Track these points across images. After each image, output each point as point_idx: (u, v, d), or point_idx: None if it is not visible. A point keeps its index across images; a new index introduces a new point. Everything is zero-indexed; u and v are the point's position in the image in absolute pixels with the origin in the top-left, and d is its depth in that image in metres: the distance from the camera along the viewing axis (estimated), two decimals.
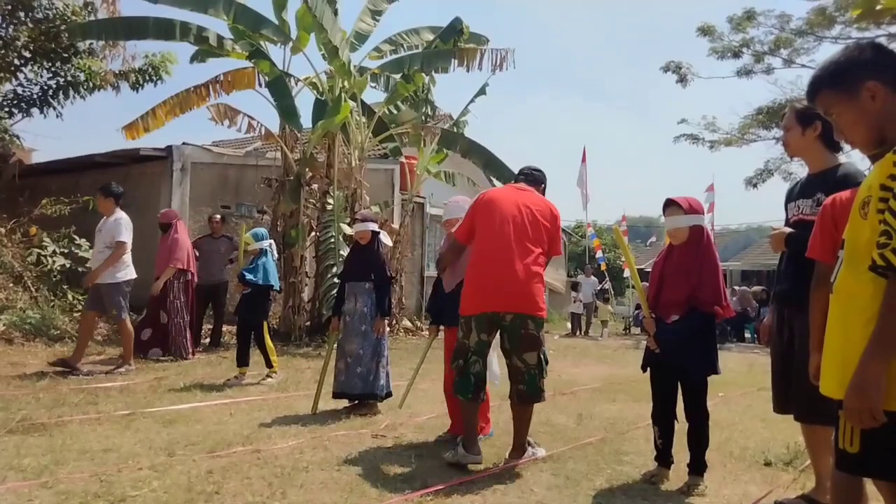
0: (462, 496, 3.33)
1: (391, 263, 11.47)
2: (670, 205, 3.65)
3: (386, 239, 5.76)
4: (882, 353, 1.52)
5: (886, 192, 1.53)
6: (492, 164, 12.12)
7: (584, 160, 21.02)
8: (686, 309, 3.51)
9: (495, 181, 17.61)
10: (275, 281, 6.55)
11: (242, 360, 6.37)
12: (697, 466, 3.56)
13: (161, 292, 7.76)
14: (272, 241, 6.80)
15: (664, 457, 3.70)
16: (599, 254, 22.62)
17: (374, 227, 5.41)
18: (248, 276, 6.34)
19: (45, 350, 7.64)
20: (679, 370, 3.58)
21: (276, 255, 7.03)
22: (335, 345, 5.42)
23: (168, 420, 4.67)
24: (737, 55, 18.74)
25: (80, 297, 9.37)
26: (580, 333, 16.28)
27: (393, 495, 3.28)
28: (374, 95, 13.11)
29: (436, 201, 15.94)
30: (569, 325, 16.69)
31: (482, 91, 12.14)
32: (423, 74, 11.40)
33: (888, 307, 1.51)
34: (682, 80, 19.18)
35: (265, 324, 6.54)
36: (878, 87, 1.68)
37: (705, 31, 18.63)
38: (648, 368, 3.73)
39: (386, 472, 3.65)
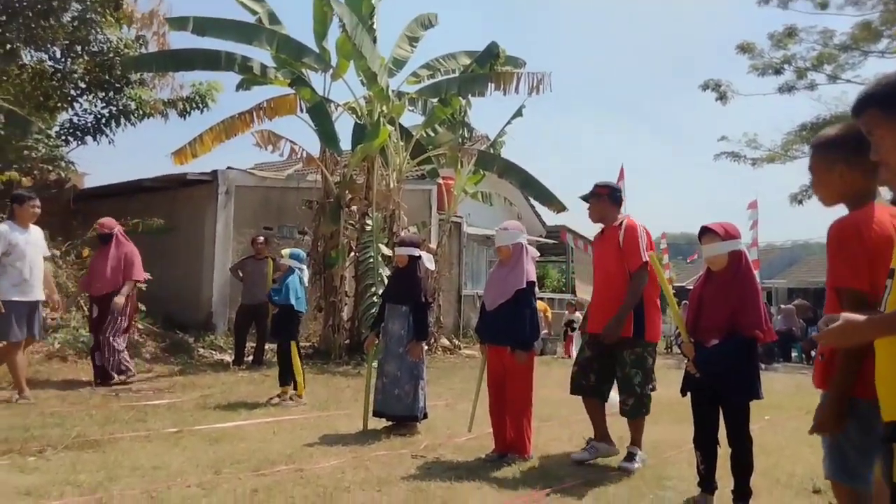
0: None
1: (429, 283, 11.60)
2: (706, 232, 3.63)
3: (429, 263, 5.83)
4: None
5: None
6: (529, 184, 12.17)
7: (621, 178, 20.88)
8: (726, 333, 3.48)
9: (532, 200, 17.70)
10: (296, 301, 6.49)
11: (284, 380, 6.49)
12: (742, 493, 3.50)
13: (101, 313, 7.13)
14: (304, 266, 6.89)
15: (708, 482, 3.65)
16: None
17: (413, 251, 5.47)
18: (273, 296, 6.57)
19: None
20: (720, 395, 3.54)
21: (306, 281, 6.97)
22: (374, 363, 5.51)
23: (214, 438, 4.80)
24: (778, 72, 18.48)
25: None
26: None
27: None
28: (411, 119, 13.37)
29: (472, 221, 16.05)
30: None
31: (519, 113, 12.24)
32: (460, 98, 11.57)
33: None
34: (722, 97, 18.95)
35: (293, 344, 6.50)
36: None
37: (745, 48, 18.43)
38: (689, 392, 3.69)
39: (426, 493, 3.68)
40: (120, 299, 7.05)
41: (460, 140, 12.45)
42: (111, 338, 7.09)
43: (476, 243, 16.88)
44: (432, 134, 12.40)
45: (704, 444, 3.63)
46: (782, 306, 19.47)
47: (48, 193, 10.37)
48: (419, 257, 5.50)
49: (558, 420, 6.09)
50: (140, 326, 9.74)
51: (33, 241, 6.09)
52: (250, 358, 9.23)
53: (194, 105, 12.79)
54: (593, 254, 4.90)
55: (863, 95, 1.82)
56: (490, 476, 4.08)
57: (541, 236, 19.93)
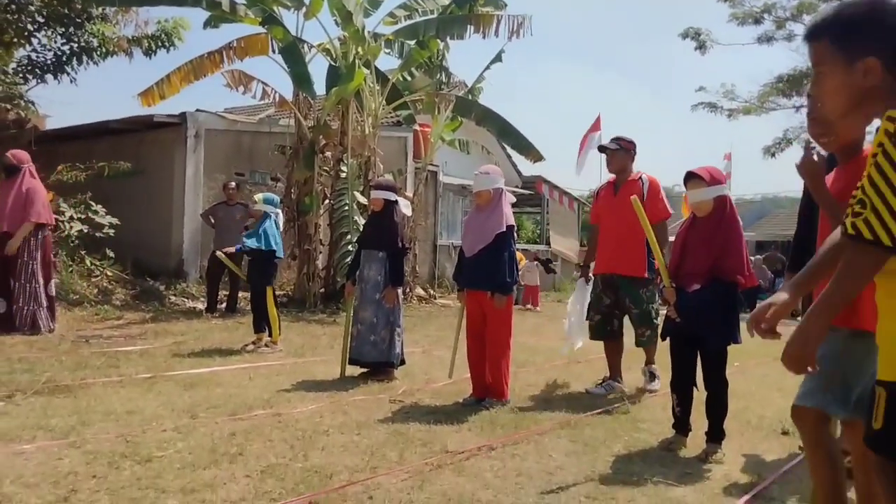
0: (481, 460, 3.37)
1: (405, 230, 11.51)
2: (692, 177, 3.58)
3: (405, 209, 5.73)
4: (825, 313, 1.52)
5: (871, 160, 1.47)
6: (506, 132, 12.02)
7: (598, 128, 20.78)
8: (708, 279, 3.49)
9: (509, 149, 17.55)
10: (276, 246, 6.38)
11: (258, 326, 6.42)
12: (715, 434, 3.58)
13: (7, 253, 6.47)
14: (279, 210, 6.71)
15: (682, 425, 3.73)
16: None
17: (390, 195, 5.37)
18: (248, 242, 6.34)
19: (66, 314, 7.74)
20: (699, 339, 3.57)
21: (281, 226, 6.78)
22: (351, 310, 5.46)
23: (189, 383, 4.74)
24: (758, 21, 18.37)
25: (98, 263, 9.49)
26: None
27: (413, 458, 3.33)
28: (388, 62, 12.97)
29: (449, 170, 15.88)
30: None
31: (498, 58, 11.98)
32: (438, 41, 11.24)
33: (843, 273, 1.49)
34: (702, 46, 18.83)
35: (270, 290, 6.37)
36: (876, 66, 1.59)
37: None
38: (668, 337, 3.72)
39: (405, 436, 3.69)
40: (14, 242, 6.39)
41: (438, 85, 12.16)
42: (28, 284, 6.49)
43: (452, 192, 16.75)
44: (409, 78, 12.08)
45: (681, 388, 3.68)
46: (752, 259, 19.88)
47: (7, 133, 9.95)
48: (395, 202, 5.40)
49: (534, 366, 6.15)
50: (109, 273, 9.54)
51: None
52: (223, 305, 9.12)
53: (160, 43, 12.23)
54: (604, 203, 5.28)
55: (819, 21, 1.68)
56: (468, 419, 4.11)
57: (517, 187, 19.85)
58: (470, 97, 12.20)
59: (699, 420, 3.69)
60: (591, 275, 5.42)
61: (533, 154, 12.08)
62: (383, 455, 3.37)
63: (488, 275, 4.47)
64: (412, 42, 11.28)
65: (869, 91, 1.60)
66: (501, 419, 4.15)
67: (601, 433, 3.94)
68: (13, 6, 10.95)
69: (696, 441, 3.68)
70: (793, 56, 26.18)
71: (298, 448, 3.41)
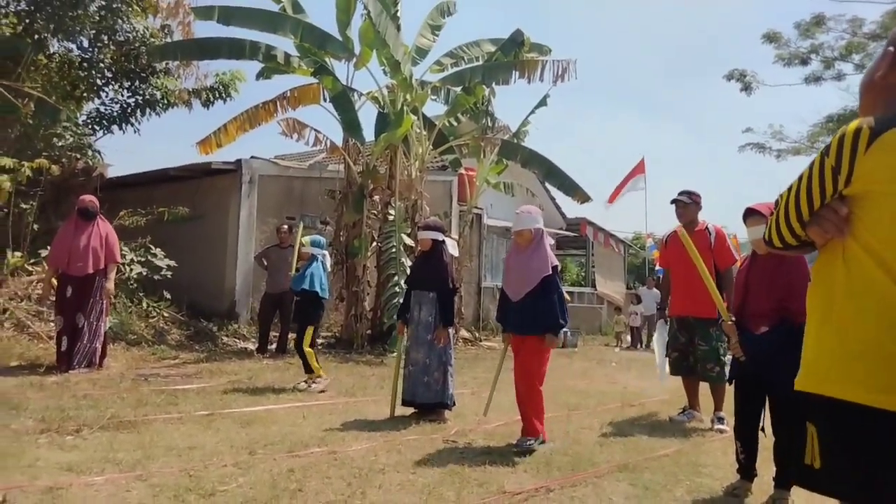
0: (539, 502, 3.31)
1: (453, 272, 11.57)
2: (752, 214, 3.53)
3: (453, 248, 5.77)
4: None
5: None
6: (552, 174, 12.10)
7: (642, 170, 20.71)
8: (775, 320, 3.40)
9: (553, 192, 17.60)
10: (320, 288, 6.46)
11: (308, 368, 6.50)
12: (784, 480, 3.43)
13: (84, 291, 6.73)
14: (326, 252, 6.82)
15: (747, 471, 3.60)
16: (658, 267, 22.15)
17: (438, 235, 5.38)
18: (294, 284, 6.49)
19: (125, 353, 7.99)
20: (767, 383, 3.45)
21: (329, 267, 6.93)
22: (402, 350, 5.49)
23: (245, 421, 4.82)
24: (805, 62, 18.15)
25: (155, 304, 9.81)
26: (641, 346, 15.94)
27: (471, 499, 3.30)
28: (434, 108, 13.30)
29: (493, 213, 16.00)
30: (628, 338, 16.36)
31: (543, 102, 12.15)
32: (484, 86, 11.50)
33: None
34: (747, 88, 18.65)
35: (309, 329, 6.44)
36: None
37: (771, 38, 18.12)
38: (735, 381, 3.63)
39: (461, 476, 3.66)
40: (110, 285, 6.85)
41: (483, 129, 12.37)
42: (95, 322, 6.77)
43: (496, 235, 16.83)
44: (455, 123, 12.35)
45: (747, 433, 3.57)
46: None
47: (76, 181, 10.49)
48: (443, 242, 5.42)
49: (586, 409, 6.04)
50: (165, 314, 9.84)
51: None
52: (273, 346, 9.27)
53: (218, 94, 12.87)
54: (674, 251, 5.64)
55: None
56: (524, 460, 4.06)
57: (561, 229, 19.82)
58: (515, 140, 12.36)
59: (764, 465, 3.56)
60: (667, 315, 5.89)
61: (579, 195, 12.10)
62: (440, 494, 3.35)
63: (535, 319, 4.35)
64: (458, 88, 11.57)
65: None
66: (557, 461, 4.08)
67: (661, 477, 3.83)
68: (85, 63, 11.72)
69: (762, 486, 3.54)
70: (843, 95, 25.73)
71: (356, 485, 3.42)
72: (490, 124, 12.71)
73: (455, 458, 4.06)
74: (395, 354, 9.38)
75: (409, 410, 5.31)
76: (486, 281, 15.60)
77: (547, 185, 15.89)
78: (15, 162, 9.11)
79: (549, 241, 4.62)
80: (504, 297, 4.59)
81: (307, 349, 6.42)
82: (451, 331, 5.38)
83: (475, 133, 12.33)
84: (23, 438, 4.02)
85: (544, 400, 4.48)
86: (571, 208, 20.32)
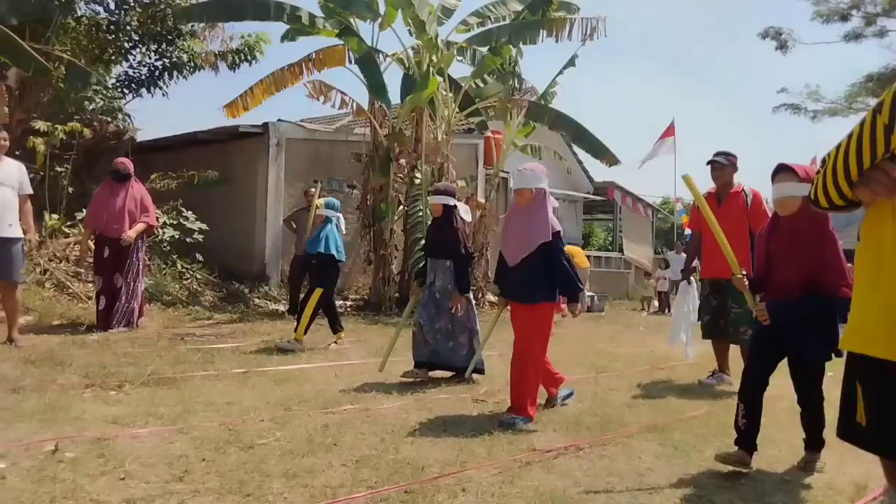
0: (570, 459, 3.36)
1: (476, 238, 11.57)
2: (782, 170, 3.24)
3: (465, 213, 5.51)
4: None
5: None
6: (580, 136, 11.94)
7: (672, 133, 20.29)
8: (804, 292, 3.20)
9: (580, 155, 17.38)
10: (336, 251, 6.43)
11: (334, 328, 6.56)
12: (814, 443, 3.39)
13: (121, 252, 6.85)
14: (340, 214, 6.78)
15: (747, 439, 3.27)
16: (688, 231, 21.87)
17: (448, 199, 5.22)
18: (309, 247, 6.46)
19: (161, 313, 8.21)
20: (796, 354, 3.30)
21: (344, 230, 6.83)
22: (413, 313, 5.36)
23: (279, 379, 4.94)
24: (845, 18, 17.46)
25: (188, 266, 10.01)
26: (668, 311, 15.86)
27: (501, 455, 3.36)
28: (460, 69, 13.08)
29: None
30: (656, 303, 16.29)
31: (571, 62, 11.90)
32: (511, 46, 11.30)
33: None
34: (783, 46, 18.07)
35: (318, 291, 6.42)
36: None
37: None
38: (752, 340, 3.49)
39: (491, 434, 3.72)
40: (132, 233, 6.81)
41: (510, 91, 12.20)
42: (132, 283, 6.92)
43: None
44: (481, 85, 12.18)
45: (751, 397, 3.32)
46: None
47: (108, 145, 10.64)
48: (455, 207, 5.27)
49: (614, 372, 6.07)
50: (198, 276, 10.04)
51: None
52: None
53: (243, 57, 12.84)
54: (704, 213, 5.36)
55: None
56: (552, 420, 4.11)
57: (588, 193, 19.62)
58: (542, 102, 12.18)
59: (791, 430, 3.54)
60: (692, 278, 5.79)
61: (608, 157, 11.94)
62: (472, 451, 3.42)
63: (533, 287, 4.02)
64: (485, 49, 11.39)
65: None
66: (586, 421, 4.12)
67: (691, 438, 3.85)
68: (112, 26, 11.76)
69: (792, 449, 3.54)
70: (885, 53, 24.75)
71: (389, 441, 3.51)
72: (517, 85, 12.53)
73: (485, 416, 4.13)
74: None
75: (440, 371, 5.36)
76: None
77: (575, 147, 15.70)
78: (49, 125, 9.26)
79: (553, 205, 4.27)
80: (502, 260, 4.29)
81: (308, 312, 6.36)
82: (469, 296, 5.23)
83: (502, 95, 12.17)
84: (69, 393, 4.18)
85: (569, 363, 4.47)
86: (599, 172, 20.08)
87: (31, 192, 5.97)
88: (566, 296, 4.12)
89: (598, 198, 19.57)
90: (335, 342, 6.57)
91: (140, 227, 6.97)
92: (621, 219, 20.67)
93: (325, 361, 5.80)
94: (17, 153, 7.73)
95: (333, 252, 6.44)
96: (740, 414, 3.32)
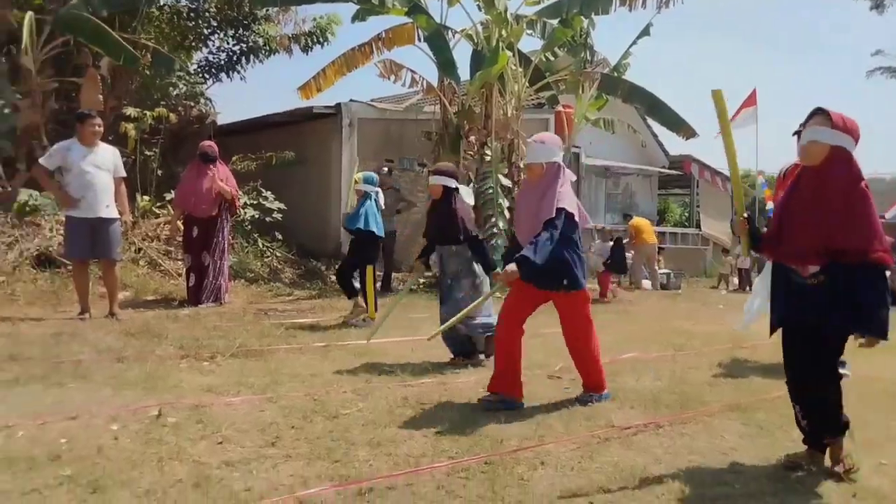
0: (649, 437, 3.34)
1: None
2: (816, 114, 2.79)
3: (468, 196, 5.18)
4: None
5: None
6: (656, 108, 11.56)
7: (754, 102, 19.29)
8: (823, 260, 2.72)
9: (655, 129, 16.82)
10: (375, 227, 6.40)
11: (349, 295, 6.56)
12: (837, 426, 2.90)
13: (208, 232, 7.19)
14: (379, 189, 6.74)
15: (815, 438, 2.98)
16: (770, 205, 20.87)
17: (448, 181, 4.90)
18: (348, 223, 6.43)
19: (245, 290, 8.59)
20: (813, 332, 2.81)
21: (383, 205, 6.82)
22: (412, 290, 5.08)
23: (359, 353, 5.11)
24: None
25: (269, 245, 10.40)
26: (749, 289, 15.26)
27: (579, 431, 3.38)
28: (530, 43, 12.82)
29: (591, 151, 15.54)
30: (735, 280, 15.70)
31: (646, 31, 11.48)
32: (582, 18, 11.00)
33: None
34: (879, 6, 16.80)
35: (370, 269, 6.47)
36: None
37: None
38: (780, 330, 2.99)
39: (568, 410, 3.74)
40: (226, 189, 7.17)
41: (582, 64, 11.91)
42: (219, 261, 7.25)
43: (594, 175, 16.42)
44: (552, 58, 11.96)
45: (803, 394, 2.97)
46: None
47: (191, 129, 11.13)
48: (455, 189, 4.95)
49: (692, 350, 5.93)
50: (278, 254, 10.43)
51: (96, 161, 5.94)
52: (378, 285, 9.62)
53: (315, 39, 13.09)
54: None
55: None
56: (630, 397, 4.07)
57: (663, 167, 19.02)
58: (615, 74, 11.84)
59: (885, 413, 3.37)
60: None
61: (685, 130, 11.52)
62: (549, 425, 3.45)
63: (551, 270, 3.68)
64: (555, 21, 11.14)
65: None
66: (665, 399, 4.07)
67: (776, 418, 3.73)
68: (192, 13, 12.22)
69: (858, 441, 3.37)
70: None
71: (467, 414, 3.58)
72: (589, 58, 12.22)
73: (561, 392, 4.14)
74: (494, 293, 9.60)
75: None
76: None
77: (649, 120, 15.21)
78: (138, 111, 9.77)
79: (570, 178, 3.95)
80: (515, 239, 4.02)
81: (370, 290, 6.44)
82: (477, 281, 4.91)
83: (573, 68, 11.90)
84: (167, 363, 4.48)
85: (646, 340, 4.41)
86: (675, 145, 19.42)
87: (124, 174, 6.37)
88: (516, 262, 3.62)
89: (674, 172, 18.92)
90: (347, 316, 6.54)
91: (227, 193, 7.25)
92: (699, 193, 19.93)
93: (402, 336, 5.94)
94: (110, 138, 8.22)
95: (373, 228, 6.41)
96: (798, 415, 3.02)
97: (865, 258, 2.64)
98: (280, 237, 10.65)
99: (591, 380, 3.96)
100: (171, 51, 11.36)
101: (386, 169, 9.87)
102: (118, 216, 6.16)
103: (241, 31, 12.50)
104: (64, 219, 6.32)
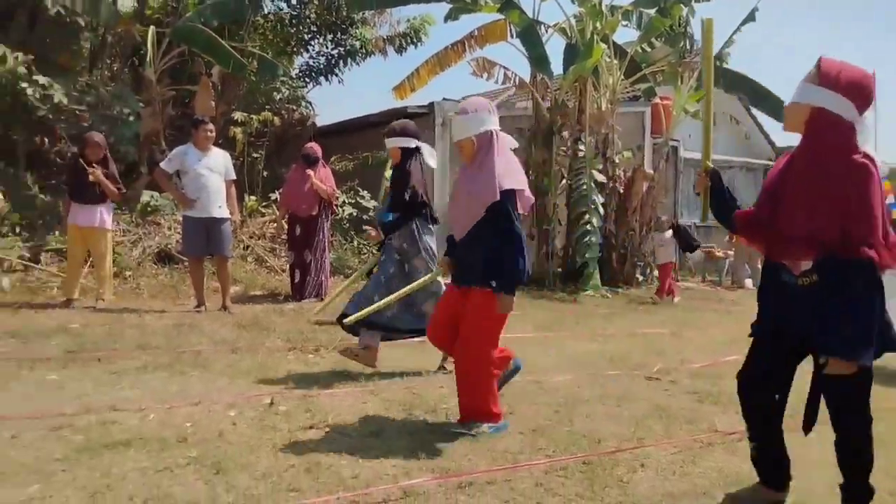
0: None
1: (644, 212, 11.13)
2: (813, 68, 2.25)
3: (430, 158, 4.52)
4: None
5: None
6: (761, 98, 10.97)
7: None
8: (816, 254, 2.20)
9: (760, 119, 15.94)
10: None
11: None
12: (857, 493, 2.37)
13: (310, 230, 7.48)
14: None
15: (774, 477, 2.51)
16: (890, 199, 19.23)
17: (407, 141, 4.24)
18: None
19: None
20: (804, 349, 2.32)
21: None
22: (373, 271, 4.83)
23: None
24: None
25: (365, 242, 10.75)
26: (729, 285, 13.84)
27: (680, 434, 3.30)
28: (626, 34, 12.46)
29: (690, 144, 14.95)
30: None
31: (751, 16, 10.91)
32: (681, 6, 10.61)
33: None
34: None
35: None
36: None
37: None
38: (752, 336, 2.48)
39: (668, 412, 3.67)
40: (323, 185, 7.41)
41: (680, 54, 11.48)
42: (320, 258, 7.53)
43: (693, 168, 15.74)
44: (648, 49, 11.61)
45: (760, 424, 2.46)
46: None
47: (294, 131, 11.69)
48: (416, 149, 4.31)
49: None
50: (375, 252, 10.76)
51: (209, 164, 6.39)
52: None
53: (409, 40, 13.38)
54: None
55: None
56: (735, 402, 3.90)
57: (770, 159, 17.98)
58: (717, 63, 11.32)
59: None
60: None
61: None
62: (648, 427, 3.40)
63: (476, 264, 3.12)
64: (652, 11, 10.81)
65: None
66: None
67: None
68: (294, 20, 12.83)
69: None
70: None
71: (563, 413, 3.59)
72: (688, 47, 11.77)
73: (660, 394, 4.07)
74: (587, 291, 9.46)
75: (607, 342, 5.34)
76: (682, 218, 14.76)
77: (754, 111, 14.43)
78: (245, 116, 10.38)
79: (512, 145, 3.32)
80: (452, 236, 3.42)
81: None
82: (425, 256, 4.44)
83: (671, 58, 11.50)
84: (276, 354, 4.77)
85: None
86: (782, 135, 18.28)
87: (234, 177, 6.80)
88: (495, 280, 3.06)
89: None
90: None
91: (326, 188, 7.53)
92: None
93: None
94: (220, 142, 8.78)
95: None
96: (752, 449, 2.53)
97: (853, 254, 2.13)
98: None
99: (473, 404, 3.21)
100: (275, 57, 11.97)
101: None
102: (229, 216, 6.59)
103: (338, 35, 12.99)
104: (181, 218, 6.83)
